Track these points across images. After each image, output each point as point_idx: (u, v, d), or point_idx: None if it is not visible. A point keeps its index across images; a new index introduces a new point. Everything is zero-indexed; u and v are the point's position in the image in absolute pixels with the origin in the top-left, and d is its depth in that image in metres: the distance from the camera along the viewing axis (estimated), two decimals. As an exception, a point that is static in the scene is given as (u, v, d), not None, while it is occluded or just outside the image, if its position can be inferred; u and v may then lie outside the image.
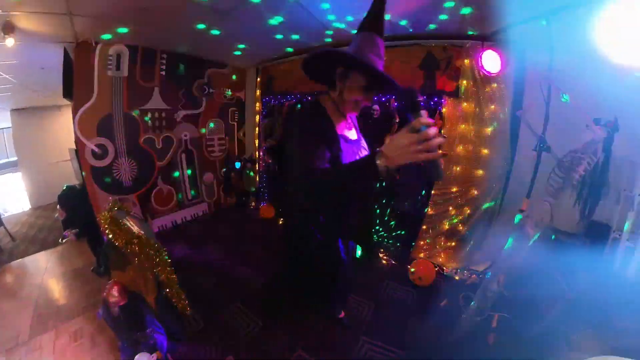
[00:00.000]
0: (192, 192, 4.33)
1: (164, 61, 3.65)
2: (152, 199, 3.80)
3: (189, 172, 4.21)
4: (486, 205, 3.09)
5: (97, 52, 3.03)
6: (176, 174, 4.06)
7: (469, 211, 3.13)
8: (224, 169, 4.65)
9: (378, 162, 0.90)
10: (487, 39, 2.71)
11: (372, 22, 1.24)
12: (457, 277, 3.09)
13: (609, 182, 2.10)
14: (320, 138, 1.17)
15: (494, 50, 2.58)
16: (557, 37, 2.11)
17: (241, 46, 3.60)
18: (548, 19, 2.05)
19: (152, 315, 1.72)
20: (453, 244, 3.25)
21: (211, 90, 4.29)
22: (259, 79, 4.52)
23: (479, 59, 2.67)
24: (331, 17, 2.73)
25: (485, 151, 3.00)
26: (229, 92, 4.51)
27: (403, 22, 2.72)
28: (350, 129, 1.41)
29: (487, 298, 2.07)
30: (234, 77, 4.61)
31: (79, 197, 3.11)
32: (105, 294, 1.65)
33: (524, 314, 2.17)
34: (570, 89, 1.96)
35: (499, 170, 2.98)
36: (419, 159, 0.86)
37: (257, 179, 4.77)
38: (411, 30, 2.89)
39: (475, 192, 3.10)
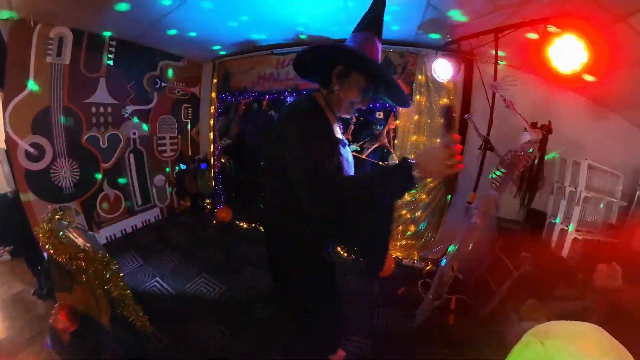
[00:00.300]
0: (143, 196, 3.98)
1: (113, 49, 3.25)
2: (98, 206, 3.41)
3: (138, 174, 3.84)
4: (438, 197, 3.32)
5: (36, 33, 2.58)
6: (124, 177, 3.68)
7: (421, 205, 3.35)
8: (177, 170, 4.36)
9: (415, 173, 0.88)
10: (440, 49, 2.93)
11: (372, 22, 1.18)
12: (415, 266, 3.29)
13: (544, 176, 2.40)
14: (325, 137, 1.10)
15: (445, 59, 2.75)
16: (502, 50, 2.31)
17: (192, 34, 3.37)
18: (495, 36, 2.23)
19: (109, 338, 1.56)
20: (409, 235, 3.45)
21: (163, 85, 3.95)
22: (215, 81, 4.29)
23: (432, 66, 2.84)
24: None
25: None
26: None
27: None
28: (341, 131, 1.34)
29: (444, 283, 2.20)
30: (189, 70, 4.29)
31: (12, 208, 2.67)
32: (51, 320, 1.45)
33: (478, 293, 2.41)
34: (511, 96, 2.17)
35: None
36: (450, 173, 0.88)
37: (213, 181, 4.52)
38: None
39: (424, 197, 3.32)
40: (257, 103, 3.91)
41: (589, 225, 2.57)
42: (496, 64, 2.39)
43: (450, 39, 2.76)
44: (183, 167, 4.36)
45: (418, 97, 3.15)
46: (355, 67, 1.13)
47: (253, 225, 4.09)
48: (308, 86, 3.40)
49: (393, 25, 2.67)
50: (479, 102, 2.86)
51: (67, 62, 2.88)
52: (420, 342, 2.14)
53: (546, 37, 1.72)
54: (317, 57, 1.15)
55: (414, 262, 3.38)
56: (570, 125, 2.63)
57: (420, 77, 3.12)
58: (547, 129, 2.11)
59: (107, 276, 1.62)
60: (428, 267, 3.10)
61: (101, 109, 3.30)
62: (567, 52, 1.65)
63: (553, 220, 2.73)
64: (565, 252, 2.49)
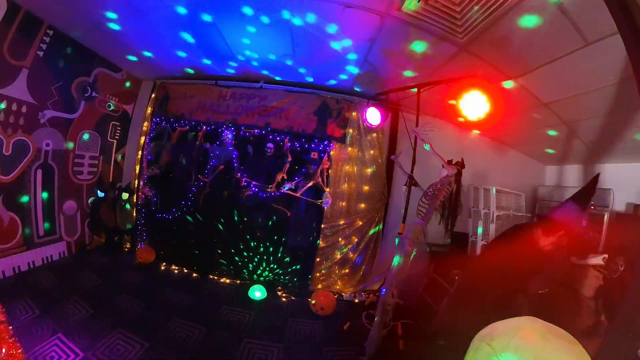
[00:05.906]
0: (46, 224, 3.20)
1: (48, 39, 2.84)
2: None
3: (45, 196, 3.13)
4: (372, 231, 3.63)
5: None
6: (25, 197, 2.94)
7: (356, 240, 3.58)
8: (93, 198, 3.75)
9: None
10: (372, 98, 3.53)
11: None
12: (356, 300, 3.34)
13: (461, 203, 2.88)
14: None
15: (375, 107, 3.30)
16: (422, 102, 2.88)
17: (147, 53, 3.31)
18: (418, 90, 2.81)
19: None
20: (346, 270, 3.59)
21: (94, 95, 3.54)
22: (153, 95, 4.05)
23: (364, 113, 3.36)
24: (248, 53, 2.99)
25: (366, 188, 3.64)
26: (112, 105, 3.83)
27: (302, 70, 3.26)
28: None
29: (387, 311, 2.30)
30: (127, 84, 3.98)
31: None
32: None
33: (420, 314, 2.55)
34: (430, 140, 2.69)
35: (378, 203, 3.64)
36: None
37: (134, 214, 3.98)
38: (312, 80, 3.49)
39: (360, 223, 3.61)
40: (194, 132, 3.78)
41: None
42: (418, 113, 2.93)
43: (380, 91, 3.34)
44: (101, 194, 3.76)
45: (350, 134, 3.59)
46: None
47: (178, 268, 3.67)
48: (246, 121, 3.64)
49: (334, 74, 3.17)
50: (403, 145, 3.46)
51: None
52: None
53: (458, 93, 2.29)
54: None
55: (355, 296, 3.44)
56: (479, 160, 3.41)
57: (352, 121, 3.59)
58: (461, 165, 2.64)
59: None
60: (369, 299, 3.16)
61: (14, 106, 2.70)
62: (474, 104, 2.22)
63: (474, 239, 3.32)
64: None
